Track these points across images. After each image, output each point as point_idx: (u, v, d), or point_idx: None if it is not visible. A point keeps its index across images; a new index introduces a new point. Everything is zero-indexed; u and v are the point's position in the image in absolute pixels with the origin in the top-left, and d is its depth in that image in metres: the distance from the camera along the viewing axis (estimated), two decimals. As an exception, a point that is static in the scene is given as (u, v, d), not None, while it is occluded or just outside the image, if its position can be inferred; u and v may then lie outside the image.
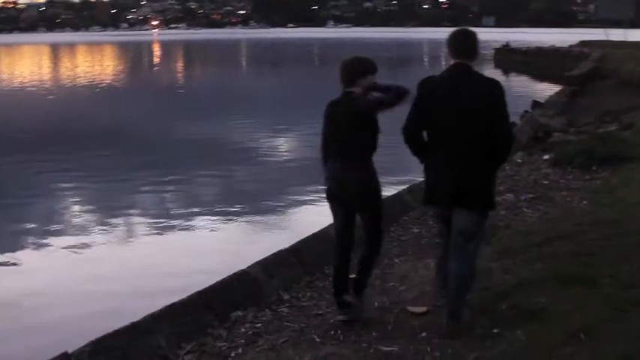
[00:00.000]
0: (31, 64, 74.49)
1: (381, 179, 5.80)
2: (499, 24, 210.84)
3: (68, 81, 48.24)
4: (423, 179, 5.77)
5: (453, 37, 5.45)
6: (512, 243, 7.39)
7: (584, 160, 11.89)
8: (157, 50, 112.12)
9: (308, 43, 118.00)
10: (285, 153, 19.64)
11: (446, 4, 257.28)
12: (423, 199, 5.67)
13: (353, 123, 5.67)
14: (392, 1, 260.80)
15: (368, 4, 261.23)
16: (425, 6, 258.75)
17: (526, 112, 20.62)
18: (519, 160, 12.99)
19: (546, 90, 30.03)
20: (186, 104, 32.20)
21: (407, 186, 10.69)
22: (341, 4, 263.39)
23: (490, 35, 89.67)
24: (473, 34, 5.47)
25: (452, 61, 5.41)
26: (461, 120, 5.18)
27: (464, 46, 5.40)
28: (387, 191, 8.54)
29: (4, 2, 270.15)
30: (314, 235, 7.91)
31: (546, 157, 12.94)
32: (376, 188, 5.77)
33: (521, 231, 7.97)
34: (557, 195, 10.00)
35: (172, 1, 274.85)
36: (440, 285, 5.75)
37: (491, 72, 45.81)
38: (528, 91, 31.83)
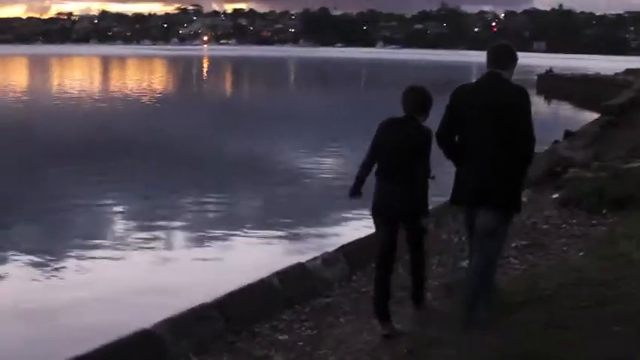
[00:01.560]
0: (81, 76, 75.16)
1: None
2: (550, 49, 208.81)
3: (117, 94, 48.50)
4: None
5: (489, 49, 5.81)
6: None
7: (594, 202, 10.38)
8: (206, 66, 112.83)
9: (356, 63, 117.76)
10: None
11: (496, 27, 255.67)
12: (450, 198, 5.86)
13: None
14: (442, 23, 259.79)
15: (418, 26, 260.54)
16: (475, 29, 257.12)
17: (556, 141, 19.46)
18: (524, 199, 11.64)
19: (587, 119, 29.02)
20: (231, 121, 32.35)
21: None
22: (391, 25, 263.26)
23: (538, 60, 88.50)
24: (506, 47, 5.85)
25: (486, 71, 5.77)
26: (490, 125, 5.47)
27: (496, 56, 5.73)
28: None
29: (58, 13, 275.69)
30: (249, 285, 6.92)
31: (555, 195, 11.58)
32: None
33: (495, 289, 6.97)
34: (554, 243, 8.85)
35: (223, 18, 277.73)
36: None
37: (533, 99, 44.99)
38: (567, 119, 30.78)
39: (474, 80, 6.01)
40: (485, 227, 5.55)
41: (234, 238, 12.28)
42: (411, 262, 6.19)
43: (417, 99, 6.01)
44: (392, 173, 5.89)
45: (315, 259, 7.99)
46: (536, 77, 54.08)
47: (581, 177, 12.39)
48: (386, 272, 5.92)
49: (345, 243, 8.86)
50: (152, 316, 6.18)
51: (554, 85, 49.18)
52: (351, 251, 8.37)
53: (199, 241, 12.00)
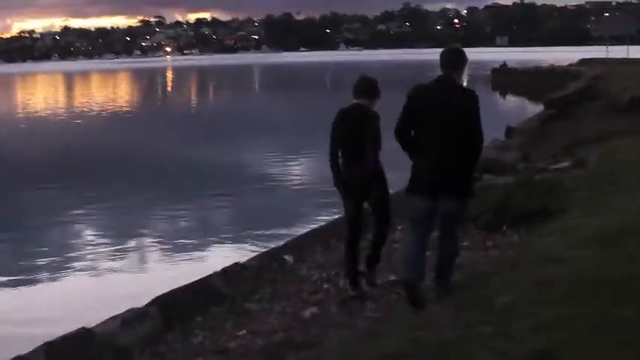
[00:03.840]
0: (44, 93, 74.84)
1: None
2: (512, 43, 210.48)
3: (81, 109, 48.36)
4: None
5: (442, 53, 6.48)
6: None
7: (492, 219, 9.15)
8: (170, 77, 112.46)
9: (320, 67, 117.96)
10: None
11: (459, 24, 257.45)
12: (407, 188, 6.45)
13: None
14: (405, 22, 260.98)
15: (381, 27, 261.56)
16: (438, 27, 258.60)
17: (495, 140, 19.18)
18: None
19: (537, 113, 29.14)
20: (198, 130, 32.62)
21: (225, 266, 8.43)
22: (354, 27, 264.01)
23: (500, 55, 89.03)
24: (457, 50, 6.59)
25: (439, 73, 6.42)
26: (442, 123, 6.15)
27: (448, 60, 6.40)
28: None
29: (21, 31, 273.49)
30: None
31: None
32: None
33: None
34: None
35: (186, 28, 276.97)
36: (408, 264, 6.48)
37: (489, 94, 45.30)
38: (517, 114, 30.44)
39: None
40: (451, 212, 6.30)
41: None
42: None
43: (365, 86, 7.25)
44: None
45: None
46: (489, 73, 54.16)
47: (493, 185, 11.12)
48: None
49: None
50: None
51: (508, 79, 49.27)
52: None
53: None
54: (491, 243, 8.76)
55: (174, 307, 6.99)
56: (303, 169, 21.31)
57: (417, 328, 5.56)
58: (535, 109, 33.33)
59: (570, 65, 47.69)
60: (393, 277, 7.46)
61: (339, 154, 7.10)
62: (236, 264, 8.06)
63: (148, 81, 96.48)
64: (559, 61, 54.67)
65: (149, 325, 6.66)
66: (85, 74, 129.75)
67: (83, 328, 6.29)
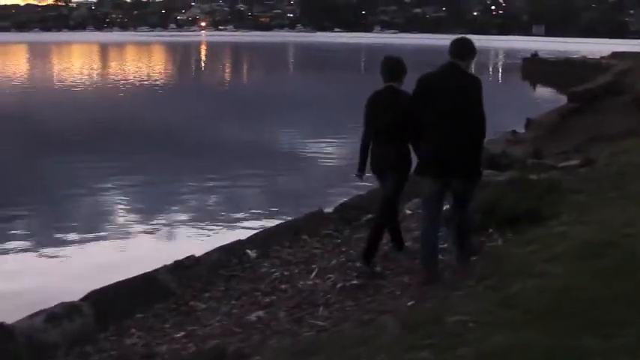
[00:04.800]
0: (80, 64, 74.82)
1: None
2: (549, 33, 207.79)
3: (115, 81, 48.26)
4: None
5: (451, 43, 6.85)
6: None
7: (479, 220, 8.37)
8: (204, 51, 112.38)
9: (353, 48, 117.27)
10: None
11: (496, 11, 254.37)
12: (416, 170, 6.78)
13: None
14: (442, 7, 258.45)
15: (417, 10, 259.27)
16: (475, 13, 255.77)
17: (513, 132, 18.56)
18: (408, 212, 9.61)
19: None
20: (230, 107, 32.77)
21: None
22: (390, 10, 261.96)
23: (536, 44, 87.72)
24: (466, 41, 6.91)
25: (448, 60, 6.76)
26: (449, 106, 6.48)
27: (456, 49, 6.76)
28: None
29: (56, 0, 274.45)
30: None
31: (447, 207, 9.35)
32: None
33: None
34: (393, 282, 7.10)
35: (221, 3, 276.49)
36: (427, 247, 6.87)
37: (518, 84, 44.34)
38: (543, 105, 29.51)
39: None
40: (461, 191, 6.72)
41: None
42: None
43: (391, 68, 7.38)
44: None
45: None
46: (520, 62, 53.26)
47: (492, 182, 10.05)
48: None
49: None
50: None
51: (538, 69, 48.26)
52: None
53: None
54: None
55: (112, 303, 6.46)
56: (328, 151, 20.92)
57: (358, 345, 5.04)
58: (563, 101, 32.54)
59: (602, 58, 46.61)
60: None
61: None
62: (190, 257, 7.47)
63: (182, 55, 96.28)
64: (593, 54, 53.57)
65: (80, 322, 6.12)
66: (120, 46, 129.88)
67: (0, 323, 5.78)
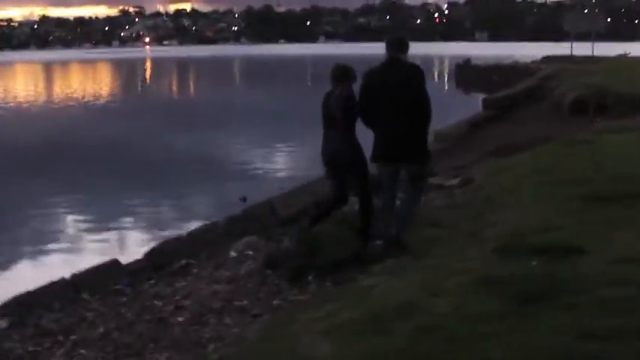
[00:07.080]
0: (24, 83, 74.00)
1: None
2: (493, 38, 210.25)
3: (61, 100, 48.22)
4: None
5: (388, 39, 7.81)
6: None
7: (298, 266, 7.38)
8: (149, 68, 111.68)
9: (296, 59, 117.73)
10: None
11: (439, 19, 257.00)
12: (371, 157, 7.78)
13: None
14: (385, 16, 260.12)
15: (361, 20, 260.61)
16: (418, 21, 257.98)
17: None
18: (233, 254, 8.46)
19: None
20: (177, 121, 33.10)
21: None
22: (334, 20, 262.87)
23: (479, 50, 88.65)
24: (402, 37, 8.03)
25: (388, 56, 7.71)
26: (393, 97, 7.32)
27: (394, 44, 7.69)
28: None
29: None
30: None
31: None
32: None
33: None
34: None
35: (165, 18, 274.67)
36: (385, 223, 7.80)
37: (451, 92, 44.60)
38: (472, 112, 29.55)
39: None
40: (412, 173, 7.63)
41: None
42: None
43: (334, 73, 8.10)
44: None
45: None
46: (454, 68, 53.24)
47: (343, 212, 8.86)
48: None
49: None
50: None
51: (471, 76, 48.23)
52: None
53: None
54: (278, 301, 6.87)
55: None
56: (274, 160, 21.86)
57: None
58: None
59: (533, 62, 46.43)
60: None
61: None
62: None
63: (127, 72, 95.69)
64: (527, 58, 53.95)
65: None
66: (64, 64, 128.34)
67: None
